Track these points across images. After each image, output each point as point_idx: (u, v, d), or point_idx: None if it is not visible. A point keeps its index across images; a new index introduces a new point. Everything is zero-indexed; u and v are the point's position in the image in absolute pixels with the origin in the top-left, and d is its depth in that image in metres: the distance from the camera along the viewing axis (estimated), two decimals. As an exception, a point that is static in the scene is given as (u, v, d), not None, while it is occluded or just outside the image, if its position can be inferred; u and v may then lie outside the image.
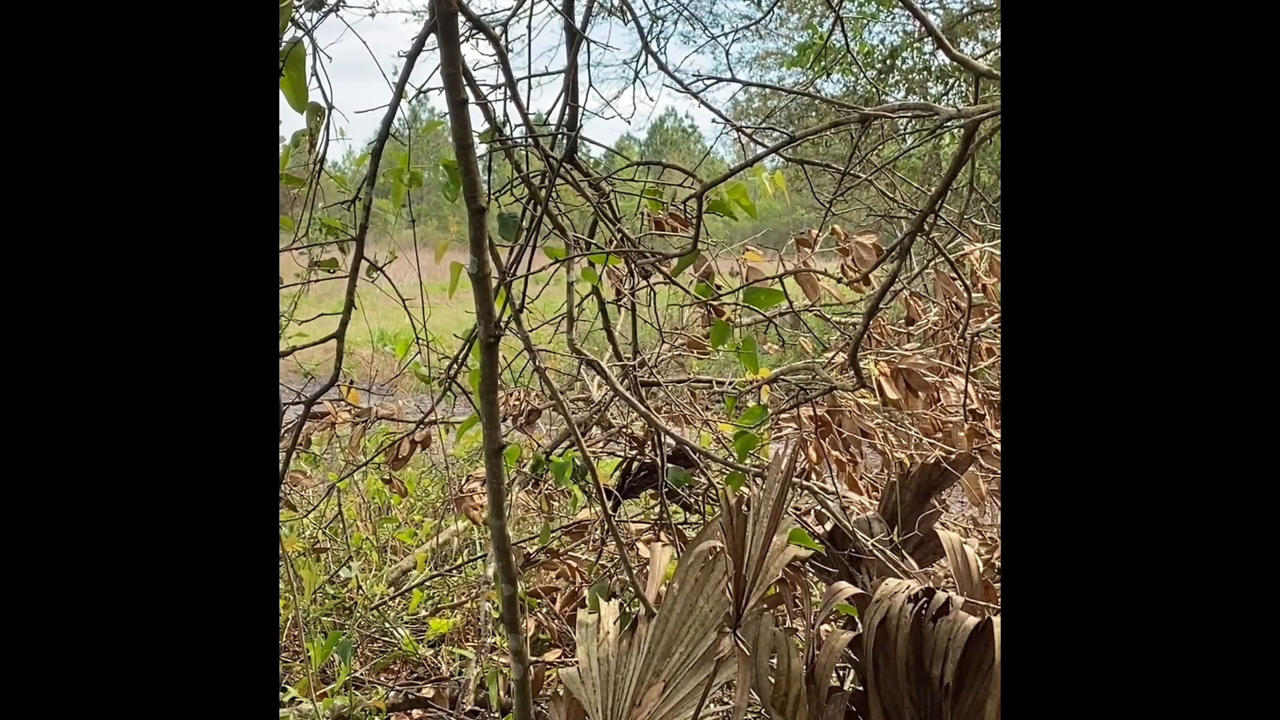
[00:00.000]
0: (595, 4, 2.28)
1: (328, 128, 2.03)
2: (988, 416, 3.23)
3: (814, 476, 3.02)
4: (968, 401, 3.11)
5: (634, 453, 3.13)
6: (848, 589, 2.03)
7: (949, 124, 2.07)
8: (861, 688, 1.96)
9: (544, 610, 3.14)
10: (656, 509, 3.09)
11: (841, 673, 2.30)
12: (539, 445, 3.13)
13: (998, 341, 3.27)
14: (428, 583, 3.71)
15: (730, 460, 2.37)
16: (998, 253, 3.30)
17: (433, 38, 1.80)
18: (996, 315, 3.27)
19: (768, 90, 9.52)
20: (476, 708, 2.89)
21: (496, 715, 2.82)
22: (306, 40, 1.88)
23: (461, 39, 1.77)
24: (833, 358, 3.35)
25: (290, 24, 1.83)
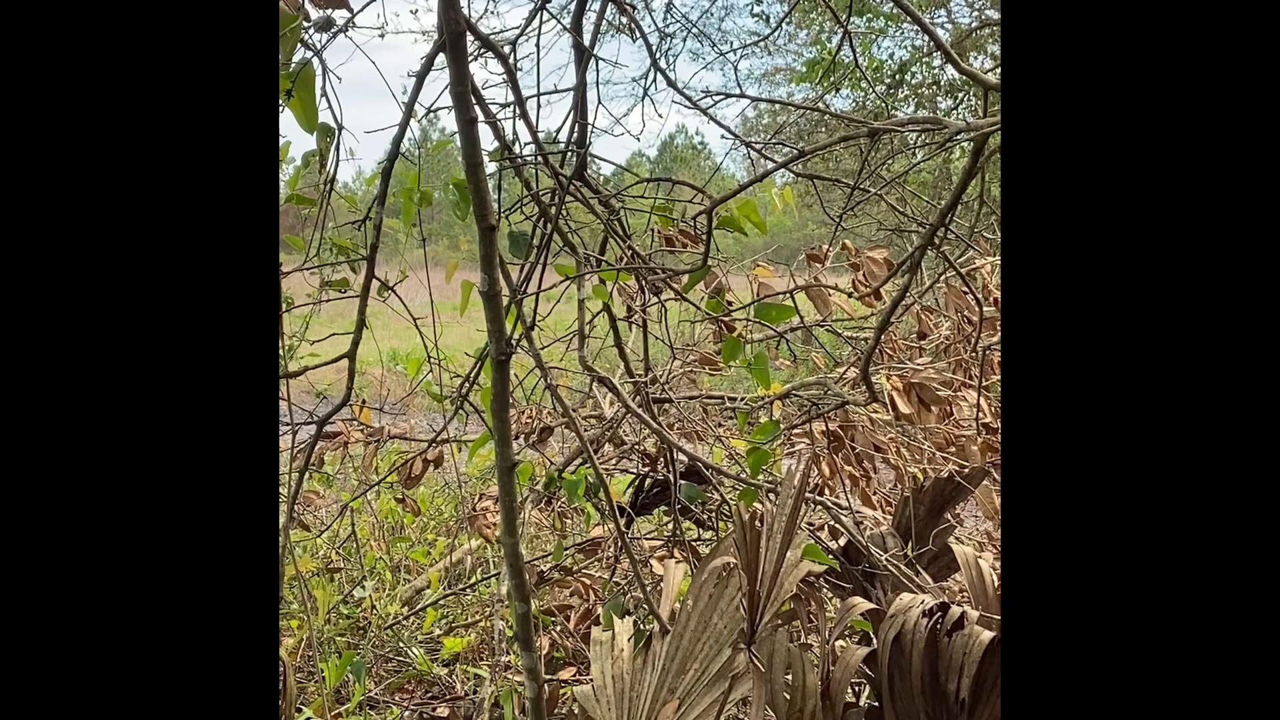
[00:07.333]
0: (604, 22, 2.29)
1: (338, 148, 2.04)
2: (1000, 430, 3.22)
3: (827, 492, 3.02)
4: (980, 415, 3.11)
5: (646, 469, 3.13)
6: (862, 604, 2.02)
7: (958, 138, 2.07)
8: (877, 703, 1.95)
9: (558, 628, 3.13)
10: (670, 526, 3.09)
11: (857, 688, 2.29)
12: (551, 463, 3.13)
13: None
14: (441, 601, 3.71)
15: (743, 476, 2.37)
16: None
17: (442, 57, 1.81)
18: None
19: (777, 106, 9.54)
20: (491, 727, 2.88)
21: (511, 734, 2.82)
22: (316, 61, 1.89)
23: (470, 58, 1.78)
24: (845, 372, 3.35)
25: (300, 45, 1.84)
